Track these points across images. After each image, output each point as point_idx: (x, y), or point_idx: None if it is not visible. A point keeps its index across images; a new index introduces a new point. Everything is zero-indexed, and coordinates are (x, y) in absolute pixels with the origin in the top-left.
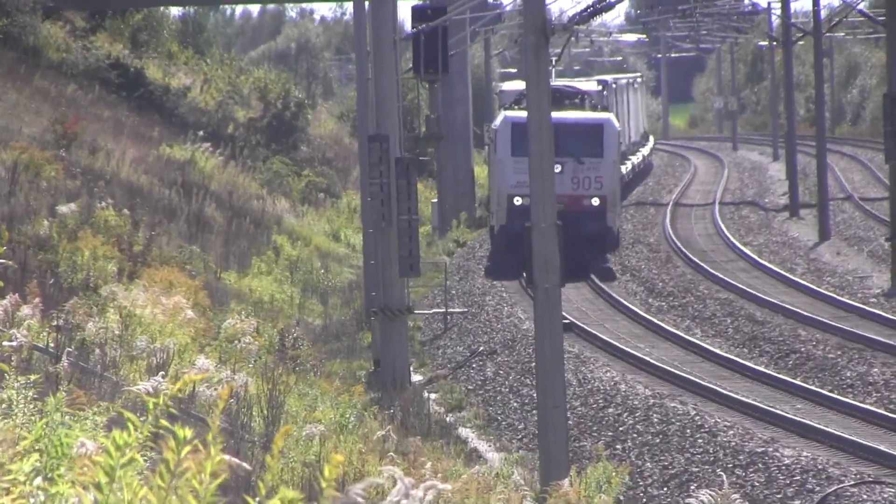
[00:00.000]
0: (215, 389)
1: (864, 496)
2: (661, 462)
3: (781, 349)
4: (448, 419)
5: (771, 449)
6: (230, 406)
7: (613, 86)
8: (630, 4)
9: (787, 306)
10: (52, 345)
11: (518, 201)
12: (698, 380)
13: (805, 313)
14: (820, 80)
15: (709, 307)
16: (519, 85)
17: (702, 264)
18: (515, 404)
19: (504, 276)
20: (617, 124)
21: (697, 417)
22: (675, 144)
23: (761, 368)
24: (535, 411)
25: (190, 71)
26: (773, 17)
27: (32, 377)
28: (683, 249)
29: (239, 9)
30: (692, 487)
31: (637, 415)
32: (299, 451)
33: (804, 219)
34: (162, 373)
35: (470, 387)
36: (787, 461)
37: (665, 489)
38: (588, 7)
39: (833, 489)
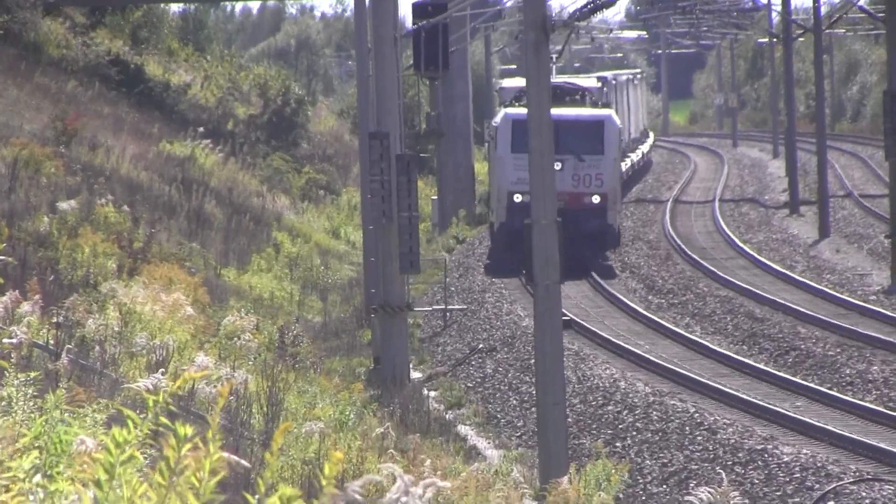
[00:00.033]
0: (215, 387)
1: (864, 494)
2: (661, 459)
3: (781, 346)
4: (447, 416)
5: (770, 446)
6: (230, 403)
7: (613, 82)
8: (630, 1)
9: (786, 304)
10: (51, 342)
11: (518, 198)
12: (698, 377)
13: (805, 311)
14: (820, 76)
15: (708, 304)
16: (519, 82)
17: (701, 262)
18: (515, 401)
19: (504, 273)
20: (618, 121)
21: (697, 415)
22: (675, 141)
23: (761, 366)
24: (534, 408)
25: (190, 67)
26: (774, 14)
27: (32, 374)
28: (683, 247)
29: (239, 5)
30: (691, 485)
31: (636, 412)
32: (299, 449)
33: (804, 216)
34: (162, 370)
35: (469, 384)
36: (786, 459)
37: (664, 487)
38: (588, 3)
39: (832, 487)
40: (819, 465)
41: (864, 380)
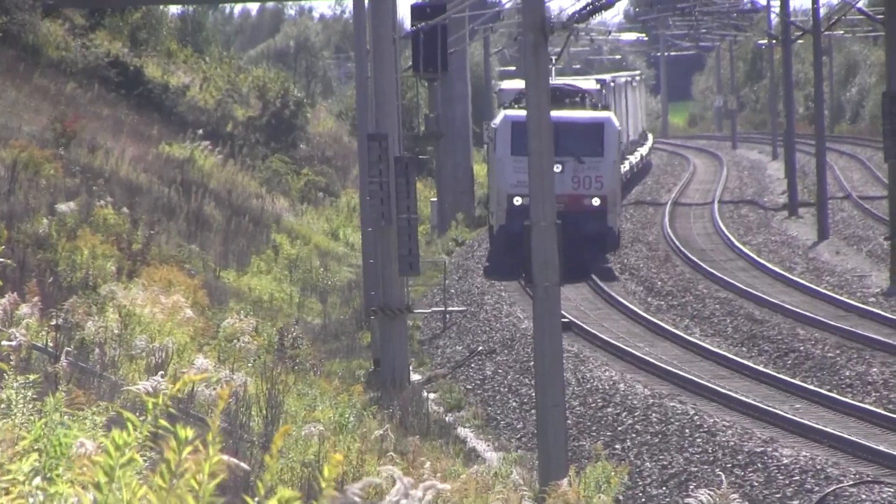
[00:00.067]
0: (214, 389)
1: (863, 496)
2: (660, 462)
3: (780, 348)
4: (447, 419)
5: (770, 449)
6: (229, 406)
7: (612, 84)
8: (629, 3)
9: (786, 305)
10: (51, 344)
11: (518, 201)
12: (697, 379)
13: (804, 312)
14: (819, 78)
15: (708, 306)
16: (518, 83)
17: (701, 263)
18: (514, 403)
19: (503, 275)
20: (617, 123)
21: (696, 417)
22: (674, 143)
23: (760, 368)
24: (533, 410)
25: (189, 69)
26: (773, 16)
27: (31, 377)
28: (682, 249)
29: (238, 7)
30: (691, 487)
31: (636, 414)
32: (298, 451)
33: (803, 218)
34: (161, 372)
35: (469, 386)
36: (785, 461)
37: (664, 489)
38: (587, 5)
39: (832, 489)
40: (819, 467)
41: (863, 381)
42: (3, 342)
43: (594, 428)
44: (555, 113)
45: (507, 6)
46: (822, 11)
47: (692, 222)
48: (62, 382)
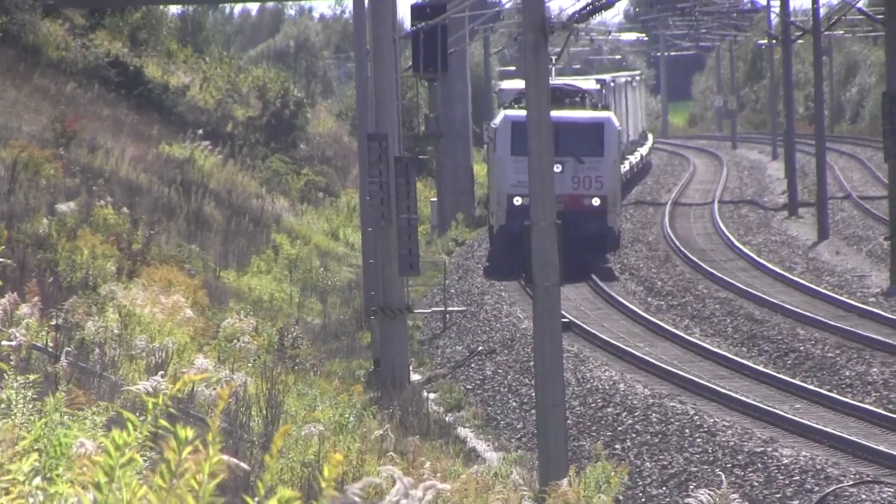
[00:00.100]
0: (214, 389)
1: (863, 496)
2: (660, 462)
3: (780, 348)
4: (447, 419)
5: (770, 449)
6: (229, 406)
7: (612, 84)
8: (629, 3)
9: (785, 305)
10: (51, 344)
11: (518, 201)
12: (697, 379)
13: (804, 312)
14: (819, 78)
15: (708, 306)
16: (518, 83)
17: (701, 263)
18: (514, 403)
19: (503, 275)
20: (617, 123)
21: (696, 417)
22: (674, 143)
23: (760, 368)
24: (533, 410)
25: (189, 69)
26: (773, 16)
27: (31, 377)
28: (682, 249)
29: (238, 7)
30: (691, 487)
31: (636, 414)
32: (298, 451)
33: (803, 218)
34: (161, 372)
35: (469, 386)
36: (785, 461)
37: (664, 489)
38: (587, 5)
39: (832, 489)
40: (819, 467)
41: (863, 381)
42: (3, 342)
43: (594, 428)
44: (555, 113)
45: (507, 6)
46: (822, 11)
47: (692, 222)
48: (62, 382)
